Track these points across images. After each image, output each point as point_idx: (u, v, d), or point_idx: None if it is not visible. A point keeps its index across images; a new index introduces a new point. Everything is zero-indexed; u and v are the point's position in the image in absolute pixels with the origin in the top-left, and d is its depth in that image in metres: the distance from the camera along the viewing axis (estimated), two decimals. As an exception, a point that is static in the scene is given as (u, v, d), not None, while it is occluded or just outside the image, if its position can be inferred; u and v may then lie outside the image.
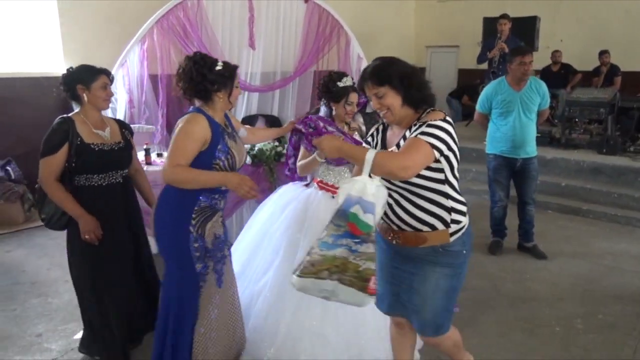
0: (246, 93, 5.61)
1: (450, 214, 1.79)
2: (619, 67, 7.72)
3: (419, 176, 1.73)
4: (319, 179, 2.68)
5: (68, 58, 5.09)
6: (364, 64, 5.58)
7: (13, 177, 4.72)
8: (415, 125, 1.75)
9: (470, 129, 7.36)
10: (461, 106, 8.92)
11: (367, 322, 2.38)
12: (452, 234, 1.81)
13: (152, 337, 2.69)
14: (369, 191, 1.63)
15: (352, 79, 2.61)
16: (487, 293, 3.42)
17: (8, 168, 4.75)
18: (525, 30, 6.96)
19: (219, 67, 2.06)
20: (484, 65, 6.61)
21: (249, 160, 3.88)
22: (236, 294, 2.32)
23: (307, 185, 2.75)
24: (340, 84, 2.57)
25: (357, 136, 2.65)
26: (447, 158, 1.74)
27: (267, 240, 2.64)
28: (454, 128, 1.75)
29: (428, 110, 1.79)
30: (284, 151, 3.68)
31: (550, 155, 5.89)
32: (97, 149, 2.32)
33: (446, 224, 1.79)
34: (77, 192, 2.32)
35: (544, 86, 3.90)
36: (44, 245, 4.23)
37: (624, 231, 4.74)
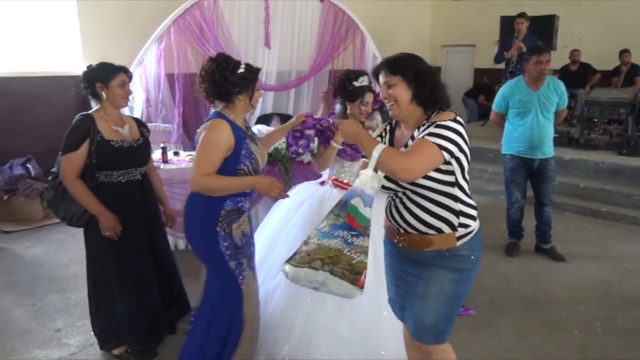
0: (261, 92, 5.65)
1: (458, 218, 1.73)
2: (639, 66, 7.58)
3: (428, 178, 1.68)
4: (333, 177, 2.68)
5: (87, 57, 5.16)
6: (380, 63, 5.55)
7: (33, 174, 4.81)
8: (423, 125, 1.70)
9: (487, 129, 7.29)
10: (477, 106, 8.85)
11: (383, 321, 2.37)
12: (459, 238, 1.74)
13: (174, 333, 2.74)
14: (370, 185, 1.63)
15: (369, 78, 2.60)
16: (504, 295, 3.38)
17: (28, 165, 4.84)
18: (543, 29, 6.87)
19: (241, 70, 2.06)
20: (501, 65, 6.54)
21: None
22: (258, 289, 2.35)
23: (322, 183, 2.75)
24: (357, 84, 2.55)
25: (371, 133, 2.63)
26: (457, 160, 1.68)
27: (282, 238, 2.64)
28: (464, 128, 1.69)
29: (438, 111, 1.74)
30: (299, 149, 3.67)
31: (569, 156, 5.80)
32: (117, 145, 2.35)
33: (453, 228, 1.73)
34: (97, 189, 2.35)
35: (562, 86, 3.84)
36: (62, 241, 4.30)
37: (644, 234, 4.64)
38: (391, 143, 1.86)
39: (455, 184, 1.72)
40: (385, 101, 1.77)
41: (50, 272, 3.70)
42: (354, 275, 1.60)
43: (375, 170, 1.64)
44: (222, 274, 2.14)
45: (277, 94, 6.17)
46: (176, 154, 4.25)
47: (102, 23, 5.32)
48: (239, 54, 5.32)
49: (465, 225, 1.75)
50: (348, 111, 2.64)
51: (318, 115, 2.77)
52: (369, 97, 2.58)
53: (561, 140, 5.97)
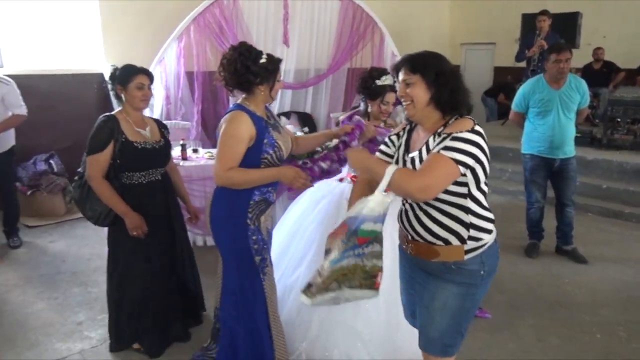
0: (280, 90, 5.69)
1: (468, 230, 1.64)
2: (665, 65, 7.41)
3: None
4: (352, 174, 2.67)
5: (108, 55, 5.24)
6: (398, 61, 5.53)
7: (55, 170, 4.91)
8: (439, 135, 1.62)
9: (506, 128, 7.18)
10: (497, 105, 8.73)
11: (401, 321, 2.35)
12: (467, 252, 1.65)
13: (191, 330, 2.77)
14: (378, 211, 1.58)
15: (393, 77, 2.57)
16: (524, 297, 3.33)
17: (51, 161, 4.93)
18: (566, 27, 6.73)
19: (263, 60, 2.04)
20: (522, 64, 6.44)
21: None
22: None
23: (340, 180, 2.75)
24: (379, 82, 2.53)
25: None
26: (473, 171, 1.59)
27: (300, 234, 2.65)
28: (484, 138, 1.59)
29: (456, 117, 1.65)
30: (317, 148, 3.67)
31: (591, 156, 5.68)
32: (140, 147, 2.37)
33: (462, 240, 1.64)
34: (122, 190, 2.38)
35: (584, 84, 3.76)
36: (84, 236, 4.38)
37: (669, 236, 4.53)
38: (407, 144, 1.79)
39: (468, 195, 1.64)
40: (402, 99, 1.70)
41: (72, 266, 3.78)
42: (371, 280, 1.59)
43: (385, 191, 1.58)
44: (244, 271, 2.13)
45: (295, 91, 6.18)
46: (195, 151, 4.29)
47: (124, 22, 5.40)
48: (258, 52, 5.35)
49: (476, 239, 1.66)
50: (369, 109, 2.63)
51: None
52: (390, 97, 2.55)
53: (583, 140, 5.86)
